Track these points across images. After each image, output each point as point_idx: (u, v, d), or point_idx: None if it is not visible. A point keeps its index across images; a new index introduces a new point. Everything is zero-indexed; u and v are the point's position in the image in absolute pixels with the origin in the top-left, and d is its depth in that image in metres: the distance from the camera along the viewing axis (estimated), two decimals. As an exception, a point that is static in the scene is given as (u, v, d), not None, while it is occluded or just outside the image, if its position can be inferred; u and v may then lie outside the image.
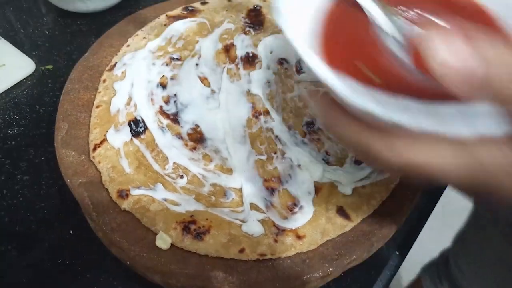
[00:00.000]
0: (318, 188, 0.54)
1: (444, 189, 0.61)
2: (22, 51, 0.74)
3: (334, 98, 0.34)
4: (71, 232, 0.55)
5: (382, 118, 0.30)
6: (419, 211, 0.58)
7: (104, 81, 0.62)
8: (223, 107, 0.60)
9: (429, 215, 0.58)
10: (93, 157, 0.55)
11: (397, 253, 0.55)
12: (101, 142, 0.56)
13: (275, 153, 0.57)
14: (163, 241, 0.48)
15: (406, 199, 0.54)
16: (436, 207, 0.59)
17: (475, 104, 0.29)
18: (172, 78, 0.63)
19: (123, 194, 0.51)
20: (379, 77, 0.35)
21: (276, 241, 0.49)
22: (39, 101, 0.68)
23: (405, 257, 0.55)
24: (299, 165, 0.56)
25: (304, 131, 0.59)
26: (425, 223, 0.58)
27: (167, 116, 0.59)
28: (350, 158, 0.57)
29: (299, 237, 0.50)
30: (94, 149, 0.55)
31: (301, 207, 0.52)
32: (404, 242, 0.56)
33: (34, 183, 0.59)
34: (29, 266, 0.52)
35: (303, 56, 0.32)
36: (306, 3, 0.38)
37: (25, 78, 0.71)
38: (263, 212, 0.51)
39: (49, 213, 0.57)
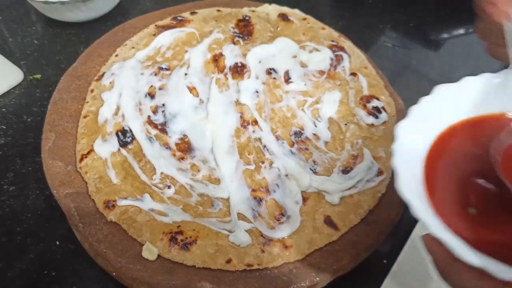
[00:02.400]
0: (305, 197, 0.54)
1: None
2: (11, 60, 0.74)
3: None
4: (57, 243, 0.55)
5: (501, 278, 0.30)
6: (405, 219, 0.58)
7: (92, 91, 0.62)
8: (212, 117, 0.61)
9: (416, 224, 0.58)
10: (80, 167, 0.54)
11: (385, 261, 0.55)
12: (88, 153, 0.56)
13: (263, 162, 0.57)
14: (149, 252, 0.48)
15: (393, 208, 0.54)
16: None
17: None
18: (160, 88, 0.63)
19: (110, 204, 0.51)
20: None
21: (263, 251, 0.49)
22: (27, 110, 0.68)
23: (392, 265, 0.55)
24: (286, 175, 0.56)
25: (292, 140, 0.59)
26: (411, 231, 0.58)
27: (155, 126, 0.59)
28: (337, 168, 0.57)
29: (286, 247, 0.50)
30: (81, 159, 0.55)
31: (288, 217, 0.52)
32: (391, 251, 0.56)
33: (20, 193, 0.59)
34: (15, 277, 0.52)
35: (421, 219, 0.33)
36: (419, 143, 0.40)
37: (13, 88, 0.71)
38: (251, 222, 0.51)
39: (35, 224, 0.56)
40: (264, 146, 0.58)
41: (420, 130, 0.40)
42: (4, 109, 0.68)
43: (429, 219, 0.34)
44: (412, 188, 0.36)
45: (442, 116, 0.41)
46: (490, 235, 0.36)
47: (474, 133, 0.42)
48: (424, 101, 0.40)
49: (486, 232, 0.36)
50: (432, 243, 0.37)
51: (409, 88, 0.76)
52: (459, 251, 0.32)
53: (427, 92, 0.77)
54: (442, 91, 0.41)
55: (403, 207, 0.56)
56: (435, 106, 0.41)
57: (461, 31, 0.89)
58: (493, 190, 0.38)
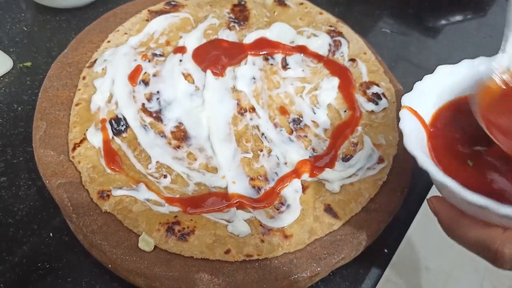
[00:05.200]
0: (305, 186, 0.53)
1: (431, 185, 0.60)
2: (0, 48, 0.72)
3: (451, 204, 0.40)
4: (51, 234, 0.53)
5: (499, 213, 0.34)
6: (406, 208, 0.58)
7: (84, 78, 0.60)
8: (208, 104, 0.59)
9: (417, 212, 0.58)
10: (73, 157, 0.53)
11: (386, 250, 0.55)
12: (81, 141, 0.54)
13: (261, 150, 0.56)
14: (146, 243, 0.47)
15: (394, 196, 0.53)
16: (423, 203, 0.58)
17: None
18: (154, 75, 0.61)
19: (104, 195, 0.50)
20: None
21: (263, 241, 0.48)
22: (17, 99, 0.66)
23: (393, 254, 0.54)
24: (285, 163, 0.55)
25: (290, 128, 0.58)
26: (413, 219, 0.57)
27: (149, 113, 0.58)
28: (338, 155, 0.56)
29: (286, 237, 0.49)
30: (74, 148, 0.53)
31: (288, 206, 0.51)
32: (392, 240, 0.55)
33: (12, 184, 0.57)
34: (7, 270, 0.51)
35: (427, 169, 0.39)
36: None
37: (3, 76, 0.69)
38: (250, 212, 0.50)
39: (28, 216, 0.55)
40: (262, 134, 0.57)
41: (422, 102, 0.46)
42: (-7, 98, 0.66)
43: (433, 168, 0.39)
44: (417, 145, 0.41)
45: (441, 93, 0.48)
46: (486, 183, 0.41)
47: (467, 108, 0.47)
48: (427, 78, 0.47)
49: (482, 180, 0.41)
50: (437, 203, 0.41)
51: (408, 74, 0.75)
52: (462, 192, 0.36)
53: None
54: (443, 70, 0.48)
55: (405, 194, 0.56)
56: (436, 83, 0.47)
57: (459, 18, 0.88)
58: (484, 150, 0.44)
